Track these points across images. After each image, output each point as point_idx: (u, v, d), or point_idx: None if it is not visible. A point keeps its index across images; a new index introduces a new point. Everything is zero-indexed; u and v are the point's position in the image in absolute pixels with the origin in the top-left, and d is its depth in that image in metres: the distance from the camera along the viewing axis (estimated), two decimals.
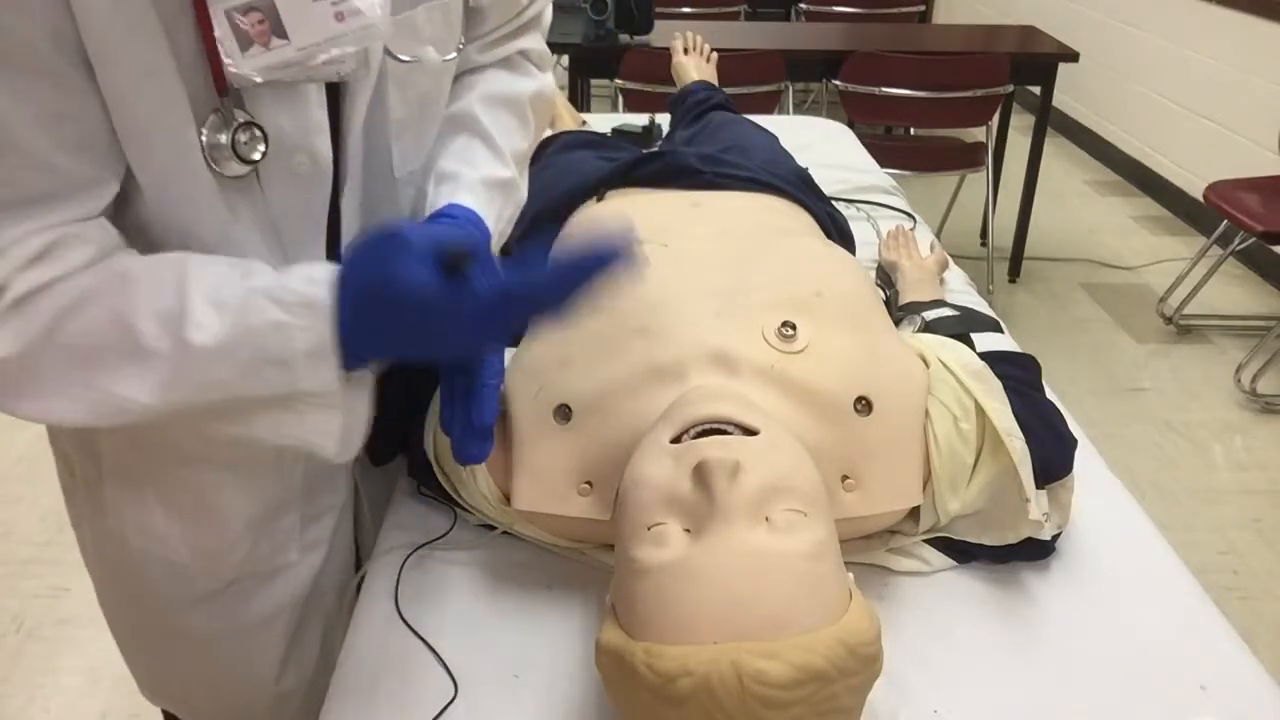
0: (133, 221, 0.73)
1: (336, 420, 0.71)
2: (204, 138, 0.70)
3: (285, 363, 0.67)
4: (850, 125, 2.51)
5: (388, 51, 0.78)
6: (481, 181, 0.88)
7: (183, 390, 0.67)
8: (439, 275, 0.64)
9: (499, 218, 0.89)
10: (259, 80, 0.69)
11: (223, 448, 0.87)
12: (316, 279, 0.68)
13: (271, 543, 0.95)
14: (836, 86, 3.21)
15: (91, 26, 0.62)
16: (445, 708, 0.81)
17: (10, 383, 0.67)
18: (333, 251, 0.83)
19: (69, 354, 0.66)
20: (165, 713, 1.23)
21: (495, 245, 0.88)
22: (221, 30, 0.66)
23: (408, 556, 0.96)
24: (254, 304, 0.67)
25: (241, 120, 0.70)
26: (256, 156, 0.72)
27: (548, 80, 1.00)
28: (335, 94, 0.77)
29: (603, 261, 0.63)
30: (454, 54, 0.85)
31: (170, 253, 0.71)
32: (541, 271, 0.64)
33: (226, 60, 0.67)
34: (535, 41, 0.99)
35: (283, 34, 0.68)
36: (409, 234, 0.66)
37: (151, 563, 0.94)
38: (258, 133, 0.71)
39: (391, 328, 0.67)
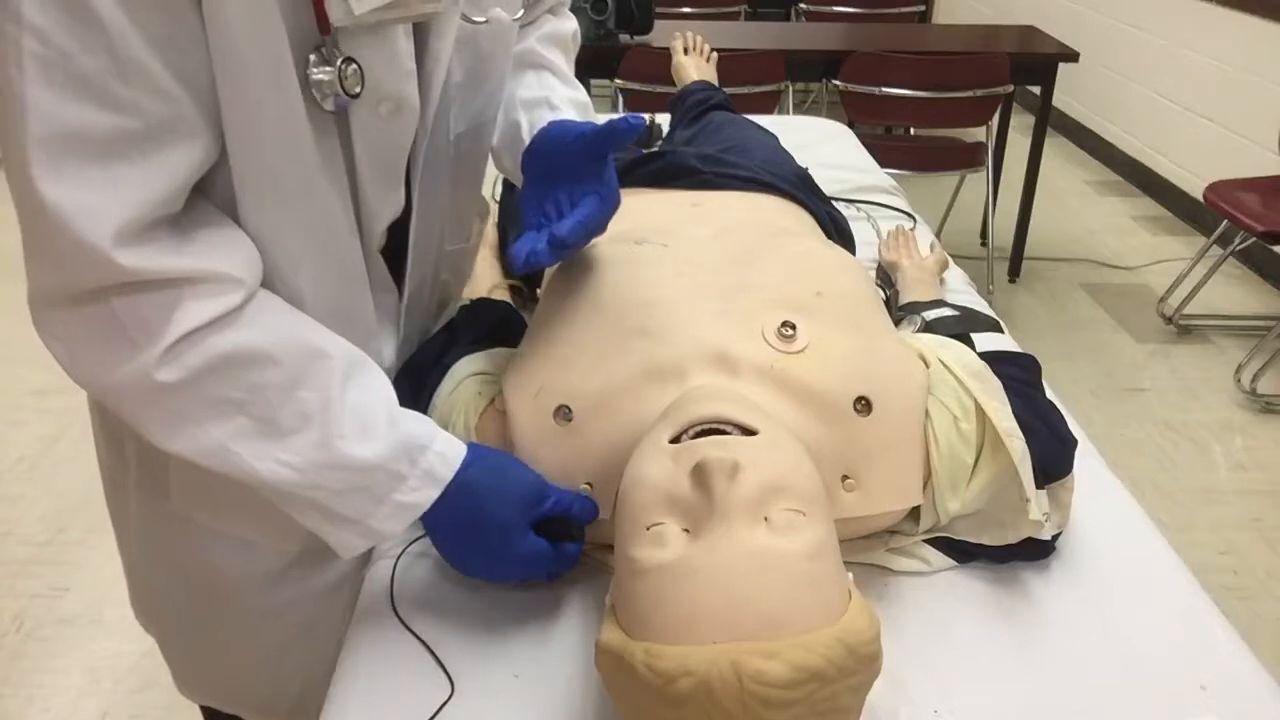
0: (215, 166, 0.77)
1: (363, 548, 0.82)
2: (311, 73, 0.74)
3: (380, 501, 0.78)
4: (850, 125, 2.51)
5: (463, 16, 0.84)
6: (568, 101, 1.01)
7: (288, 476, 0.75)
8: (544, 544, 0.83)
9: None
10: (362, 18, 0.73)
11: None
12: (449, 460, 0.80)
13: None
14: (836, 86, 3.21)
15: None
16: (441, 707, 0.81)
17: (155, 408, 0.73)
18: (406, 202, 0.90)
19: (213, 404, 0.73)
20: (204, 709, 1.23)
21: None
22: None
23: (400, 554, 0.96)
24: (397, 448, 0.77)
25: (344, 56, 0.75)
26: (358, 90, 0.77)
27: (574, 20, 1.16)
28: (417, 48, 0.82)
29: None
30: (520, 12, 0.92)
31: (326, 342, 0.78)
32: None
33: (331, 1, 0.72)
34: None
35: None
36: (539, 489, 0.83)
37: (215, 541, 0.97)
38: (358, 69, 0.76)
39: (474, 548, 0.83)
